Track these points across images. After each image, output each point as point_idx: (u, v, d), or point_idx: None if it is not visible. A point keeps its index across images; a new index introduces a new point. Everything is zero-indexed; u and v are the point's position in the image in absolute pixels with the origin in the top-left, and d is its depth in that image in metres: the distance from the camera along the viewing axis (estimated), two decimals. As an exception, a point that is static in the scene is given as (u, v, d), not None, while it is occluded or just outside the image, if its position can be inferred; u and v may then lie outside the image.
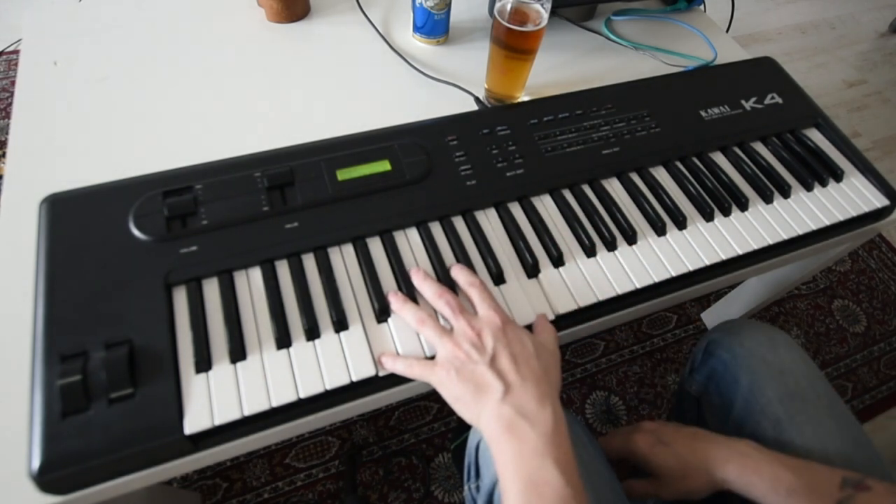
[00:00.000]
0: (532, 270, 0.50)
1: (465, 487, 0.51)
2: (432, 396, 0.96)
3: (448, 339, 0.41)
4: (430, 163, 0.54)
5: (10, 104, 1.21)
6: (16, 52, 1.44)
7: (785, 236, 0.56)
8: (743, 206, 0.57)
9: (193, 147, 0.57)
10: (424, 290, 0.45)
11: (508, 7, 0.56)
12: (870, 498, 0.40)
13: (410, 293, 0.46)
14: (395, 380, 0.44)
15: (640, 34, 0.79)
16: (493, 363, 0.39)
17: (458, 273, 0.46)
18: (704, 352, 0.60)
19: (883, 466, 0.48)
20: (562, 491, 0.33)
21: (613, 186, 0.58)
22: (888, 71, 1.77)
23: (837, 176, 0.61)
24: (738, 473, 0.45)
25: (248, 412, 0.40)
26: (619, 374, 1.03)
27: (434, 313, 0.45)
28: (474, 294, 0.44)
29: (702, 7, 0.86)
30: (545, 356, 0.42)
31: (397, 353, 0.43)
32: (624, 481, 0.51)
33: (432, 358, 0.43)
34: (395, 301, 0.45)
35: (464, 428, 0.90)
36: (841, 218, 0.58)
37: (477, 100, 0.65)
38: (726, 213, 0.56)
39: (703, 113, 0.64)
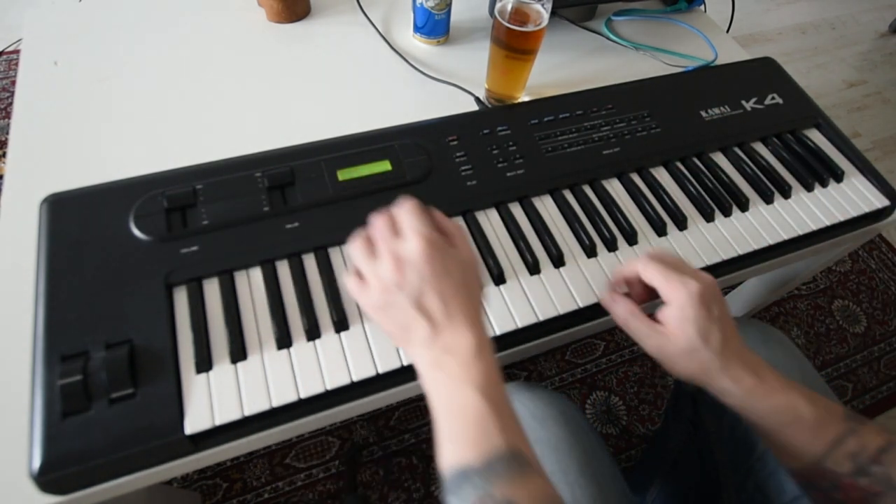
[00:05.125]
0: (532, 270, 0.50)
1: None
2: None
3: (372, 282, 0.38)
4: (430, 163, 0.54)
5: (10, 104, 1.21)
6: (16, 52, 1.44)
7: (785, 236, 0.56)
8: (743, 207, 0.57)
9: (194, 147, 0.57)
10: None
11: (509, 7, 0.56)
12: (867, 430, 0.39)
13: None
14: (394, 380, 0.44)
15: (641, 34, 0.79)
16: (418, 302, 0.37)
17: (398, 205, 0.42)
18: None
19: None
20: (480, 409, 0.34)
21: (614, 186, 0.58)
22: (888, 71, 1.77)
23: (837, 176, 0.61)
24: (748, 389, 0.40)
25: (248, 412, 0.40)
26: (619, 374, 1.04)
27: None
28: (401, 217, 0.40)
29: (702, 7, 0.86)
30: (467, 274, 0.39)
31: None
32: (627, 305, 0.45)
33: None
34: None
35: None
36: (841, 218, 0.58)
37: (477, 100, 0.65)
38: (727, 213, 0.56)
39: (703, 113, 0.64)
